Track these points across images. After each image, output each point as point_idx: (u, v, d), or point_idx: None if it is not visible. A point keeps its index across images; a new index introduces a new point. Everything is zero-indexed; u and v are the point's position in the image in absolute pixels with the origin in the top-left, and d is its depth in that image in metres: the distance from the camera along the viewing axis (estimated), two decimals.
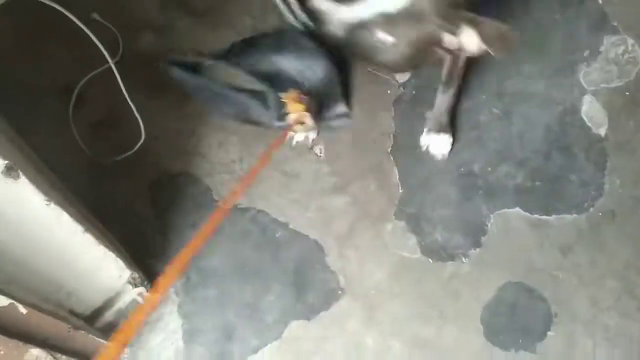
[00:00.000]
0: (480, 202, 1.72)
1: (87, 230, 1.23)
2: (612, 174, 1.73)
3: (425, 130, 1.76)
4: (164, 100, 1.77)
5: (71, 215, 1.17)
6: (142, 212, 1.69)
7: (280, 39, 1.30)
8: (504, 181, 1.74)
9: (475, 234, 1.69)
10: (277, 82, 1.26)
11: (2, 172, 1.01)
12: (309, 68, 1.26)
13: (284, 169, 1.76)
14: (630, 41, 1.86)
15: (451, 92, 1.72)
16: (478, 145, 1.77)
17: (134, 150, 1.69)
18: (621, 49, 1.85)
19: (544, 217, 1.70)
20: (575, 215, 1.70)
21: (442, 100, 1.74)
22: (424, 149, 1.76)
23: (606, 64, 1.84)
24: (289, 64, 1.26)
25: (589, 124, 1.78)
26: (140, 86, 1.72)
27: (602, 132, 1.78)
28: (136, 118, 1.67)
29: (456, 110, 1.79)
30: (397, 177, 1.75)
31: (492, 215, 1.71)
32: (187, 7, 1.94)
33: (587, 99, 1.81)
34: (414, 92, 1.83)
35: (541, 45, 1.86)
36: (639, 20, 1.88)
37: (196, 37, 1.89)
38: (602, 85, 1.82)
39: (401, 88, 1.84)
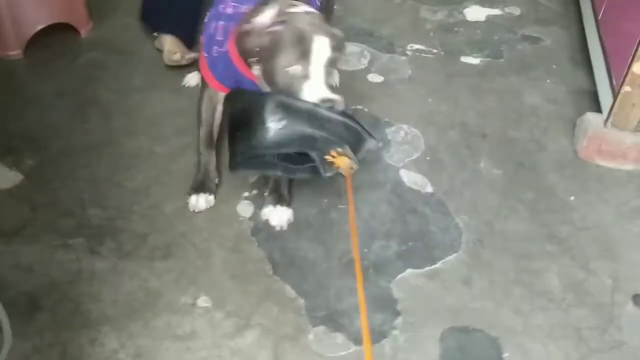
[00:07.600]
0: (374, 278, 1.72)
1: None
2: (457, 214, 1.93)
3: (265, 206, 1.89)
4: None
5: None
6: None
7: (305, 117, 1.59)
8: (383, 254, 1.79)
9: (390, 306, 1.66)
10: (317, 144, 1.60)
11: None
12: (332, 129, 1.60)
13: (174, 334, 1.54)
14: (404, 126, 2.23)
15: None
16: (344, 236, 1.83)
17: None
18: (402, 132, 2.20)
19: (433, 266, 1.77)
20: (454, 254, 1.81)
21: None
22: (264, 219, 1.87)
23: (399, 146, 2.15)
24: (319, 132, 1.59)
25: (416, 188, 2.01)
26: None
27: (429, 189, 2.01)
28: None
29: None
30: (292, 291, 1.67)
31: (391, 285, 1.72)
32: None
33: (403, 173, 2.06)
34: (265, 219, 1.86)
35: None
36: (400, 113, 2.29)
37: None
38: (407, 160, 2.10)
39: (250, 220, 1.86)
